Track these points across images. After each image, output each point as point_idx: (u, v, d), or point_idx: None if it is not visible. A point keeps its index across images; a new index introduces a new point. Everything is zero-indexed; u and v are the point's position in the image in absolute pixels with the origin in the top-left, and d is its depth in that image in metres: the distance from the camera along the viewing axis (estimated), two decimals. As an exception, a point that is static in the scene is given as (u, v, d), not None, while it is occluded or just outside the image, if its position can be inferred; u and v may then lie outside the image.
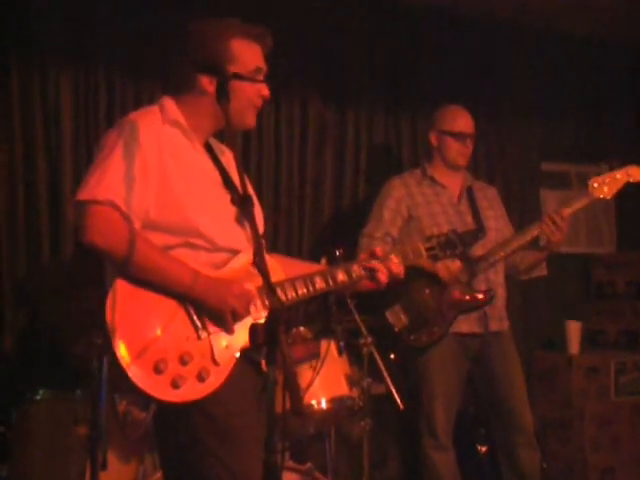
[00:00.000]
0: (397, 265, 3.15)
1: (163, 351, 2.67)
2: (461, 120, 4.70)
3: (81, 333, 3.86)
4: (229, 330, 2.79)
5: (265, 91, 2.96)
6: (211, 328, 2.77)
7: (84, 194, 2.72)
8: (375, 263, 3.12)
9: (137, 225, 2.73)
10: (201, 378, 2.70)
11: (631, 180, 4.49)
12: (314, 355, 4.04)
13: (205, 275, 2.78)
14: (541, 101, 6.23)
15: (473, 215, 4.66)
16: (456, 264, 4.34)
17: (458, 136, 4.66)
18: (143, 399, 3.43)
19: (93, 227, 2.69)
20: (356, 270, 3.10)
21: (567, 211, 4.45)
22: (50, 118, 4.60)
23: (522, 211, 5.93)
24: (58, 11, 4.58)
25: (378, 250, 3.18)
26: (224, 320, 2.78)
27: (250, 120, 2.98)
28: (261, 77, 2.96)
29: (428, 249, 3.24)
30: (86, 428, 3.66)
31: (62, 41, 4.61)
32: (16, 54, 4.54)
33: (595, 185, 4.45)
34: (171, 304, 2.74)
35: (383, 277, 3.12)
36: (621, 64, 6.49)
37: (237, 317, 2.79)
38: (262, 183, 5.10)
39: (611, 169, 4.49)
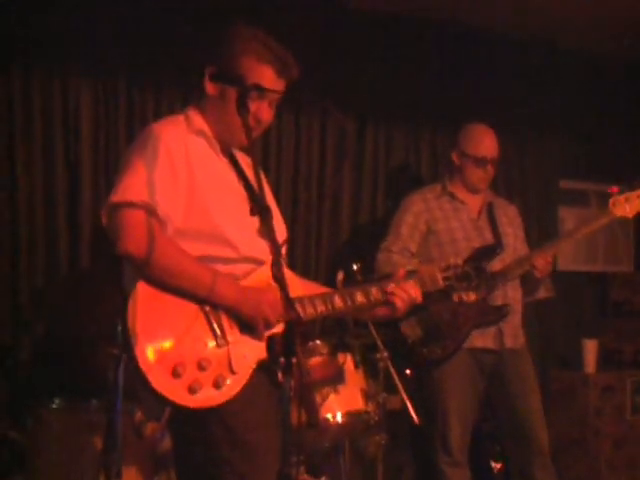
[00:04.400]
0: (415, 289, 3.13)
1: (182, 355, 2.67)
2: (484, 144, 4.59)
3: (98, 343, 3.87)
4: (260, 337, 2.77)
5: (262, 114, 2.91)
6: (230, 337, 2.76)
7: (116, 197, 2.71)
8: (393, 287, 3.10)
9: (169, 229, 2.75)
10: (217, 385, 2.69)
11: None
12: (336, 378, 4.04)
13: (226, 278, 2.78)
14: (560, 119, 6.22)
15: (492, 231, 4.63)
16: (471, 297, 4.29)
17: (480, 162, 4.57)
18: (157, 407, 3.44)
19: (129, 235, 2.68)
20: (374, 292, 3.09)
21: (583, 231, 4.46)
22: (70, 128, 4.64)
23: (540, 228, 5.92)
24: (78, 21, 4.59)
25: (400, 273, 3.17)
26: (255, 328, 2.78)
27: (238, 139, 2.93)
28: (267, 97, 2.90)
29: (445, 278, 3.23)
30: (101, 438, 3.68)
31: (82, 51, 4.63)
32: (37, 65, 4.57)
33: (616, 203, 4.43)
34: (191, 309, 2.74)
35: (399, 302, 3.09)
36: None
37: (269, 325, 2.78)
38: (280, 196, 5.10)
39: (631, 188, 4.46)
